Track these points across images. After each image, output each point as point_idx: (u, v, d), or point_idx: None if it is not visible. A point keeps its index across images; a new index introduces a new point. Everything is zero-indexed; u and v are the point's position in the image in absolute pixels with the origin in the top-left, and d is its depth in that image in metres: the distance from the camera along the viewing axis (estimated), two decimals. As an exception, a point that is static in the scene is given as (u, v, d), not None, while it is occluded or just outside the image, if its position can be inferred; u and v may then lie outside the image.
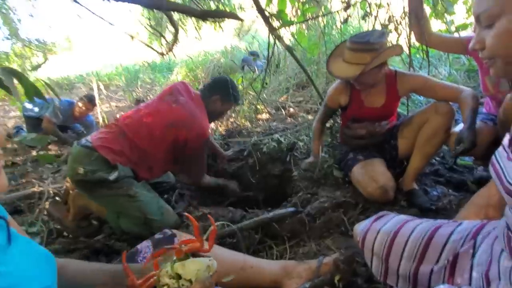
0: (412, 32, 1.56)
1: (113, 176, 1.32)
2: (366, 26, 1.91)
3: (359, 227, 0.88)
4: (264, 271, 0.96)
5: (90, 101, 3.26)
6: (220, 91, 1.61)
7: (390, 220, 0.83)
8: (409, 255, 0.74)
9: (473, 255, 0.67)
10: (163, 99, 1.54)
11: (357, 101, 1.47)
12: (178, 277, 0.54)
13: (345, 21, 1.98)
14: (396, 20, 1.61)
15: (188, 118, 1.45)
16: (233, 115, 2.75)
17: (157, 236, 0.92)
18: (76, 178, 1.36)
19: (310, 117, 2.59)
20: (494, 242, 0.63)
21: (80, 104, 3.24)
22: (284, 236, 1.24)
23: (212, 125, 2.61)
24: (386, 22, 1.56)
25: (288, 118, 2.75)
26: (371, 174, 1.36)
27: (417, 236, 0.75)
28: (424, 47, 1.58)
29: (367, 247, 0.83)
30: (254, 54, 4.65)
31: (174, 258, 0.56)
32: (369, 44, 1.26)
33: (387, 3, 1.66)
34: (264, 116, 2.89)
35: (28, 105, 3.15)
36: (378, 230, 0.81)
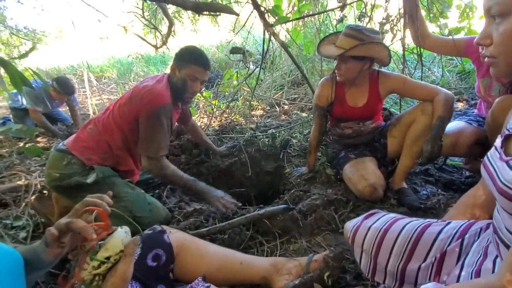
0: (408, 33, 1.57)
1: (90, 179, 1.27)
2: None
3: (350, 224, 0.89)
4: (254, 267, 0.97)
5: (62, 87, 2.74)
6: (176, 59, 1.45)
7: (381, 218, 0.84)
8: (398, 252, 0.75)
9: (460, 254, 0.68)
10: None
11: (340, 100, 1.49)
12: (107, 258, 0.55)
13: (340, 21, 1.98)
14: (392, 21, 1.61)
15: (140, 90, 1.36)
16: (227, 111, 2.73)
17: (147, 231, 0.91)
18: (53, 184, 1.31)
19: (304, 114, 2.59)
20: (488, 245, 0.64)
21: (52, 91, 2.82)
22: (275, 232, 1.24)
23: (206, 120, 2.59)
24: (383, 21, 1.56)
25: (282, 115, 2.75)
26: (362, 173, 1.38)
27: (406, 234, 0.76)
28: (419, 48, 1.59)
29: (357, 243, 0.84)
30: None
31: (88, 252, 0.55)
32: (360, 33, 1.29)
33: (385, 1, 1.66)
34: (258, 112, 2.89)
35: (15, 96, 3.03)
36: (368, 227, 0.82)
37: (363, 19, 1.87)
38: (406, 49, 1.66)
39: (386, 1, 1.67)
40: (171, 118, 1.39)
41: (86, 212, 0.59)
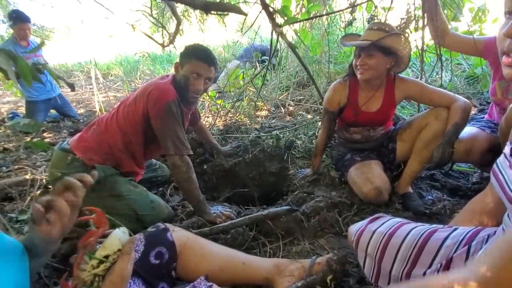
0: (427, 33, 1.53)
1: None
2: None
3: (354, 228, 0.88)
4: (256, 268, 0.96)
5: (17, 15, 2.81)
6: (180, 57, 1.42)
7: (386, 222, 0.83)
8: (402, 257, 0.74)
9: (466, 261, 0.67)
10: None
11: (353, 104, 1.45)
12: (106, 257, 0.56)
13: (349, 23, 1.97)
14: (410, 21, 1.59)
15: (146, 88, 1.35)
16: (232, 110, 2.74)
17: (150, 229, 0.91)
18: (56, 184, 1.32)
19: (309, 116, 2.58)
20: None
21: (16, 29, 2.87)
22: (278, 234, 1.24)
23: (211, 119, 2.60)
24: (402, 25, 1.54)
25: (287, 116, 2.74)
26: (367, 176, 1.37)
27: (412, 239, 0.75)
28: (438, 48, 1.55)
29: (361, 247, 0.83)
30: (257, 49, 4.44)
31: (86, 252, 0.57)
32: (388, 25, 1.31)
33: (407, 4, 1.62)
34: (263, 113, 2.88)
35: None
36: (373, 231, 0.81)
37: (372, 22, 1.85)
38: (424, 49, 1.62)
39: (408, 4, 1.62)
40: (182, 113, 1.35)
41: (65, 190, 0.60)
